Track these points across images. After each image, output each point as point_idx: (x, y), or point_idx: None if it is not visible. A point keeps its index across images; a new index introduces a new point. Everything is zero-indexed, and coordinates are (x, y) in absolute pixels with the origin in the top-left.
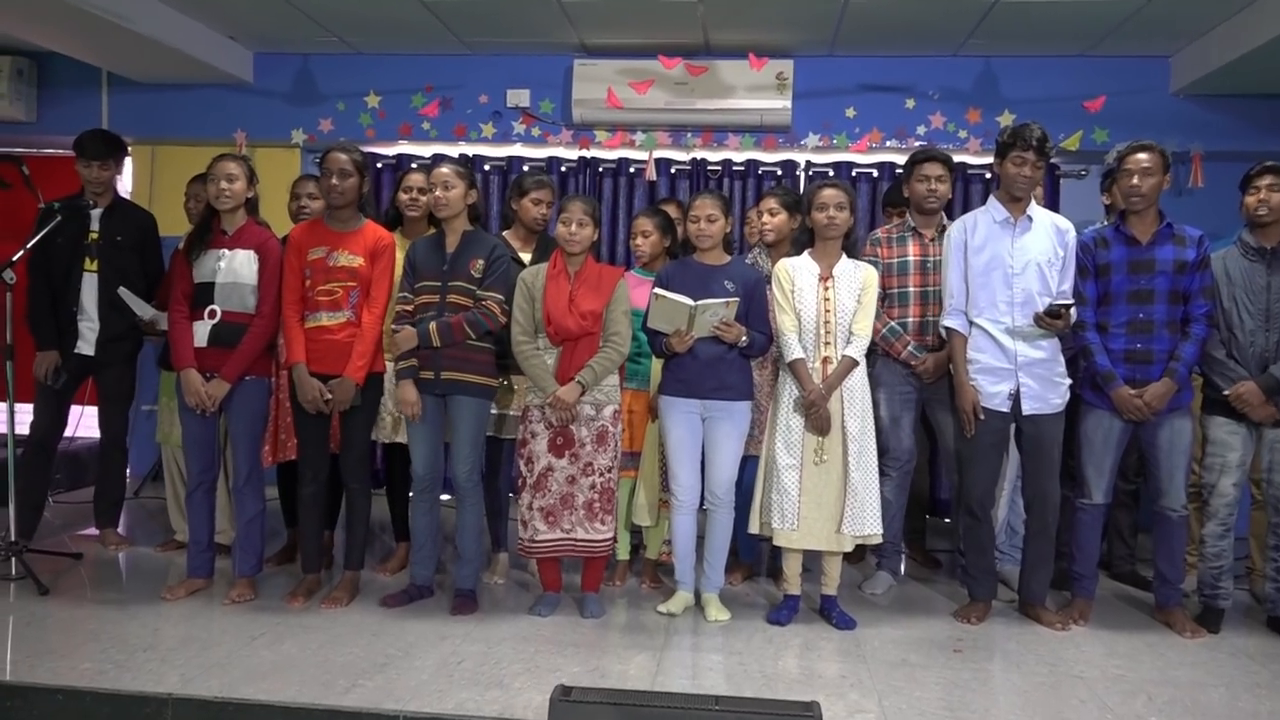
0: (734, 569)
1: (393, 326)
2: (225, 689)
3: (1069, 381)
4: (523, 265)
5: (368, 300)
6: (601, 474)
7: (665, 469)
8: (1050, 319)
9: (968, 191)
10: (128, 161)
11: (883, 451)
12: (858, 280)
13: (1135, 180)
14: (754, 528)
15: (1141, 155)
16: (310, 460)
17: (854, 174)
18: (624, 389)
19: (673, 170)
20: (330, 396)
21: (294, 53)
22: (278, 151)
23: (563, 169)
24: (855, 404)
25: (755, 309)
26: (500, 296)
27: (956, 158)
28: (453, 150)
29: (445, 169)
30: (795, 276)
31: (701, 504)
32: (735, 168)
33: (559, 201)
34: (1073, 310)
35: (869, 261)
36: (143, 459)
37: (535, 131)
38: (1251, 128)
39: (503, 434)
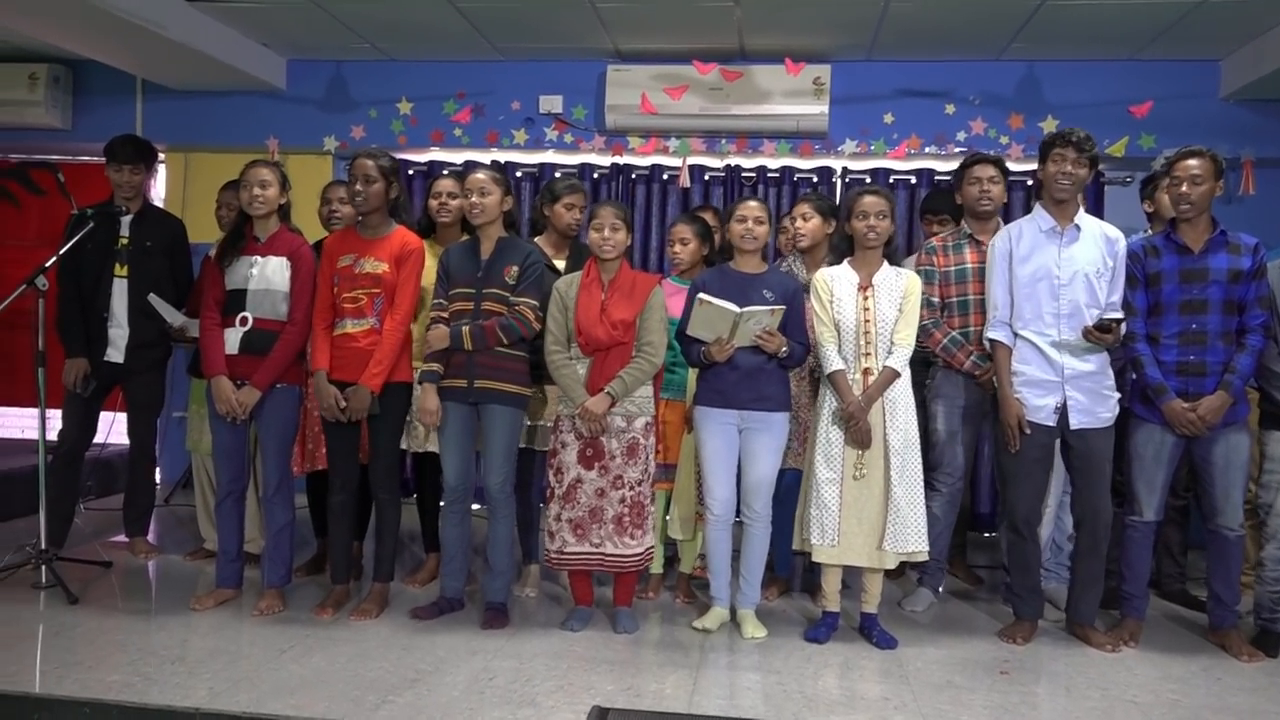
0: (769, 584)
1: (427, 326)
2: (253, 704)
3: (1118, 395)
4: (557, 272)
5: (391, 307)
6: (632, 487)
7: (701, 481)
8: (1100, 333)
9: (1009, 199)
10: (161, 168)
11: (935, 466)
12: (899, 288)
13: (1185, 188)
14: (796, 544)
15: (1192, 162)
16: (339, 470)
17: (891, 180)
18: (659, 399)
19: (706, 177)
20: (346, 404)
21: (327, 59)
22: (310, 158)
23: (595, 176)
24: (898, 416)
25: (793, 319)
26: (534, 302)
27: None
28: (485, 157)
29: (481, 174)
30: (834, 286)
31: (737, 517)
32: (770, 174)
33: (589, 207)
34: (1123, 324)
35: (925, 271)
36: (173, 466)
37: (568, 138)
38: None
39: (535, 445)
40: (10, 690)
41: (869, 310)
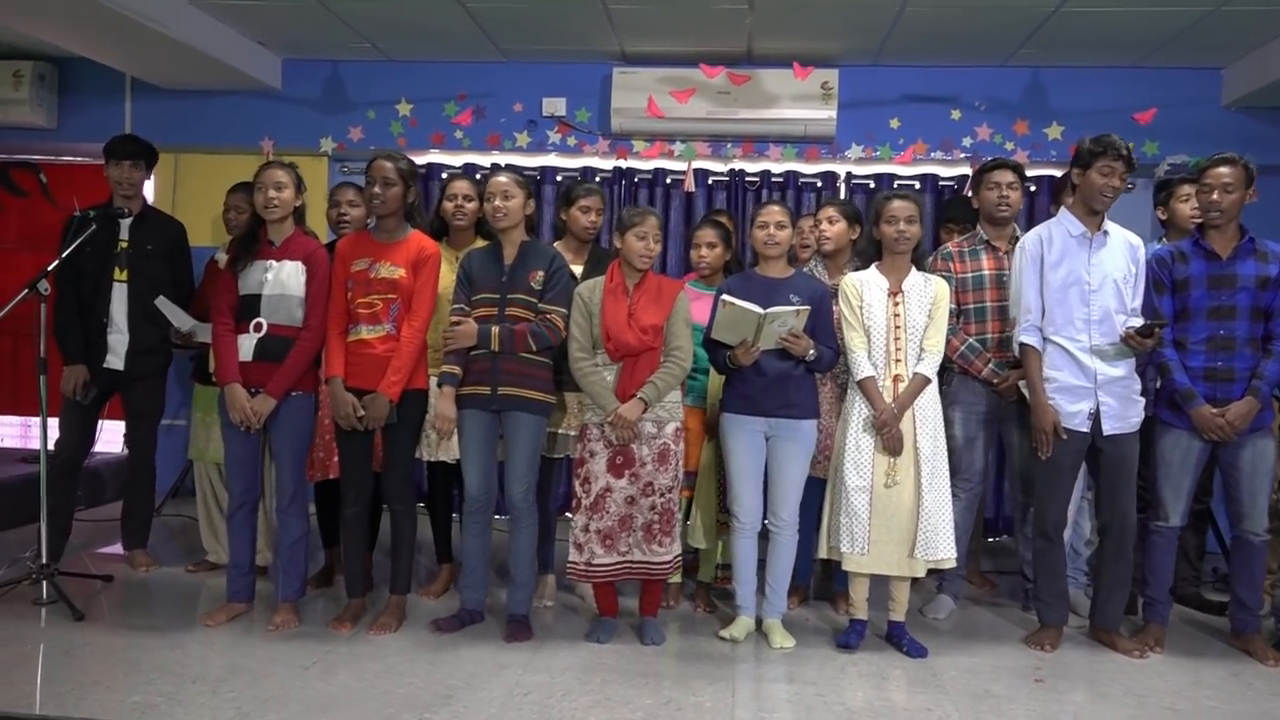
0: (790, 592)
1: (451, 322)
2: None
3: (1144, 399)
4: (574, 278)
5: (408, 313)
6: (662, 494)
7: (722, 489)
8: (1141, 338)
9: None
10: None
11: (954, 472)
12: (928, 294)
13: (1216, 195)
14: (822, 552)
15: (1224, 169)
16: (353, 480)
17: (895, 185)
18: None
19: (710, 181)
20: (363, 413)
21: (324, 59)
22: (306, 160)
23: (598, 179)
24: (927, 423)
25: (821, 323)
26: (564, 310)
27: None
28: (485, 160)
29: (504, 178)
30: (864, 291)
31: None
32: (774, 179)
33: (627, 213)
34: (1164, 329)
35: (942, 276)
36: (164, 475)
37: (571, 141)
38: None
39: (553, 453)
40: (27, 714)
41: (899, 316)
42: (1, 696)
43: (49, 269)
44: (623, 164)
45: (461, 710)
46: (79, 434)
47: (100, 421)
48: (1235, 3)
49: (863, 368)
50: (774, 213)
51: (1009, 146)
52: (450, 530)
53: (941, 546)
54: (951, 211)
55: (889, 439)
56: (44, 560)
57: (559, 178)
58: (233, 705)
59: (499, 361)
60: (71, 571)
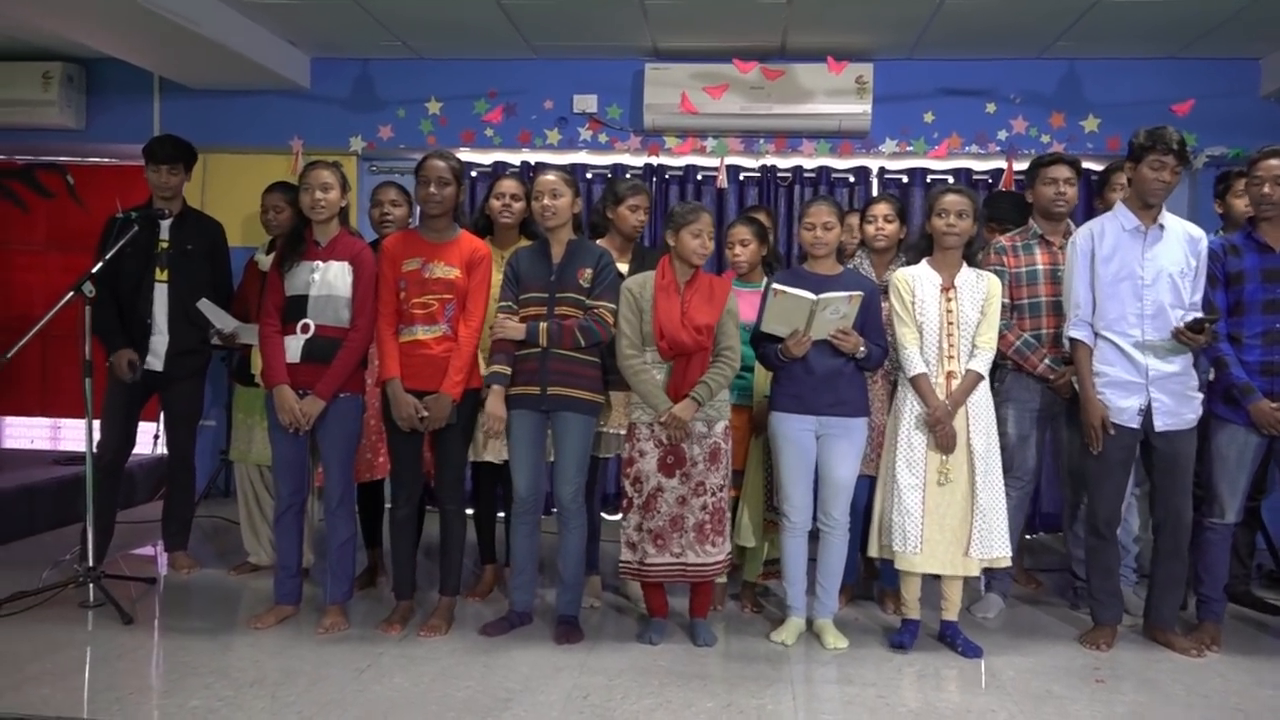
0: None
1: (498, 317)
2: None
3: (1201, 395)
4: (621, 276)
5: (464, 313)
6: (713, 493)
7: (769, 488)
8: (1192, 333)
9: None
10: None
11: (1006, 469)
12: (981, 290)
13: (1267, 188)
14: (873, 550)
15: (1274, 162)
16: (404, 481)
17: (929, 180)
18: None
19: (741, 177)
20: (426, 414)
21: (353, 57)
22: (336, 159)
23: (628, 176)
24: (980, 420)
25: (870, 321)
26: (613, 306)
27: None
28: (516, 158)
29: (552, 176)
30: (916, 287)
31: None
32: (806, 174)
33: (679, 210)
34: (1215, 325)
35: (994, 271)
36: (198, 475)
37: (602, 138)
38: None
39: (600, 452)
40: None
41: (952, 313)
42: (57, 702)
43: (93, 271)
44: (654, 161)
45: (523, 714)
46: (120, 435)
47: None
48: None
49: (915, 364)
50: (821, 212)
51: (1045, 140)
52: (494, 531)
53: (997, 545)
54: (993, 209)
55: (942, 436)
56: (90, 563)
57: (589, 175)
58: (294, 710)
59: (548, 361)
60: (115, 574)
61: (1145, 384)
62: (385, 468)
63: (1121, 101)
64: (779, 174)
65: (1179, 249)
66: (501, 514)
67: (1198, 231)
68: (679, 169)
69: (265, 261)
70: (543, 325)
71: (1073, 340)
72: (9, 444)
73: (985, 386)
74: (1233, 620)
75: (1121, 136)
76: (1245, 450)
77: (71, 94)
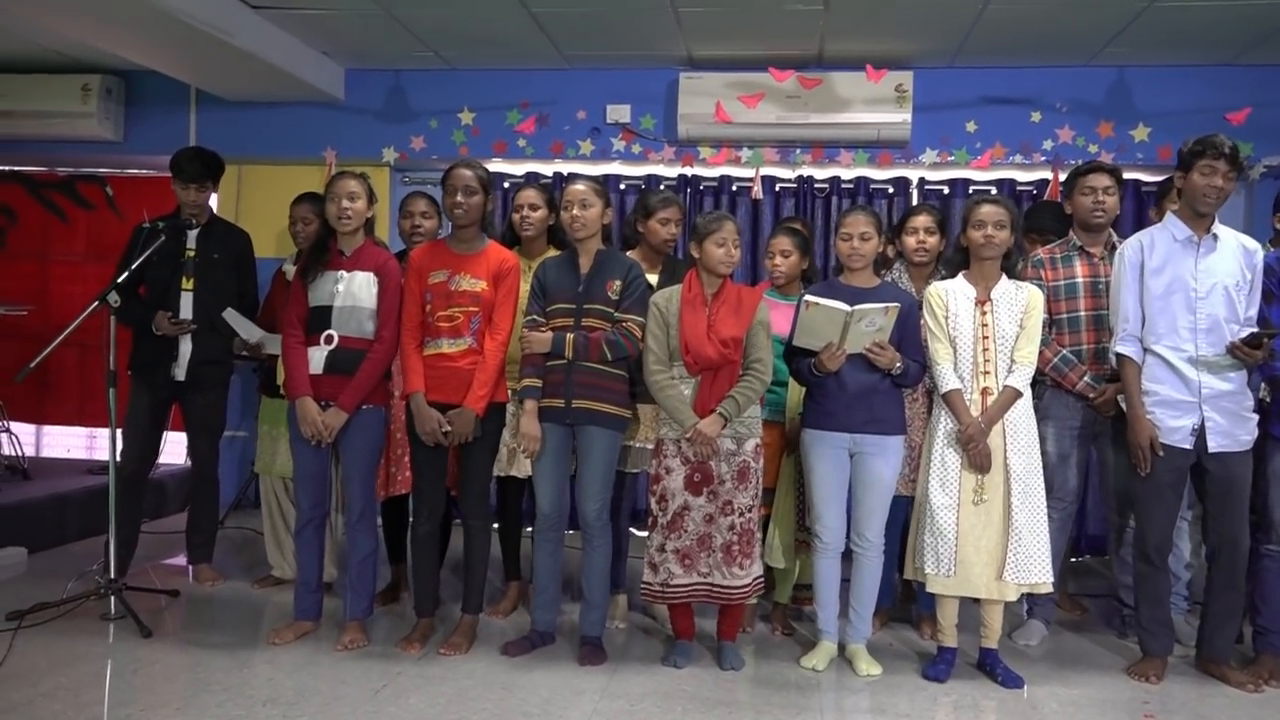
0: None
1: (525, 331)
2: None
3: (1257, 416)
4: (651, 288)
5: (490, 326)
6: (742, 513)
7: (801, 506)
8: (1250, 349)
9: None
10: None
11: (1047, 490)
12: (1020, 303)
13: None
14: (908, 573)
15: None
16: (427, 497)
17: (970, 191)
18: None
19: (777, 188)
20: (450, 428)
21: (386, 69)
22: (368, 170)
23: (662, 187)
24: (1019, 439)
25: (908, 335)
26: (641, 319)
27: None
28: (548, 168)
29: (581, 185)
30: (949, 300)
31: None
32: (844, 185)
33: (702, 220)
34: (1274, 340)
35: (1033, 284)
36: (227, 487)
37: (635, 148)
38: None
39: (626, 467)
40: None
41: (988, 326)
42: (72, 717)
43: (119, 280)
44: (688, 171)
45: None
46: (143, 446)
47: (165, 434)
48: None
49: (948, 380)
50: (858, 223)
51: (1092, 149)
52: (518, 548)
53: (1036, 570)
54: (1034, 220)
55: (975, 455)
56: (111, 575)
57: (622, 186)
58: None
59: (573, 373)
60: (138, 586)
61: (1198, 402)
62: (408, 483)
63: (1173, 110)
64: (816, 185)
65: (1234, 260)
66: (528, 529)
67: (1253, 243)
68: (713, 180)
69: (292, 272)
70: (569, 337)
71: (1120, 356)
72: (46, 453)
73: (1025, 404)
74: None
75: (1173, 146)
76: None
77: (110, 106)
